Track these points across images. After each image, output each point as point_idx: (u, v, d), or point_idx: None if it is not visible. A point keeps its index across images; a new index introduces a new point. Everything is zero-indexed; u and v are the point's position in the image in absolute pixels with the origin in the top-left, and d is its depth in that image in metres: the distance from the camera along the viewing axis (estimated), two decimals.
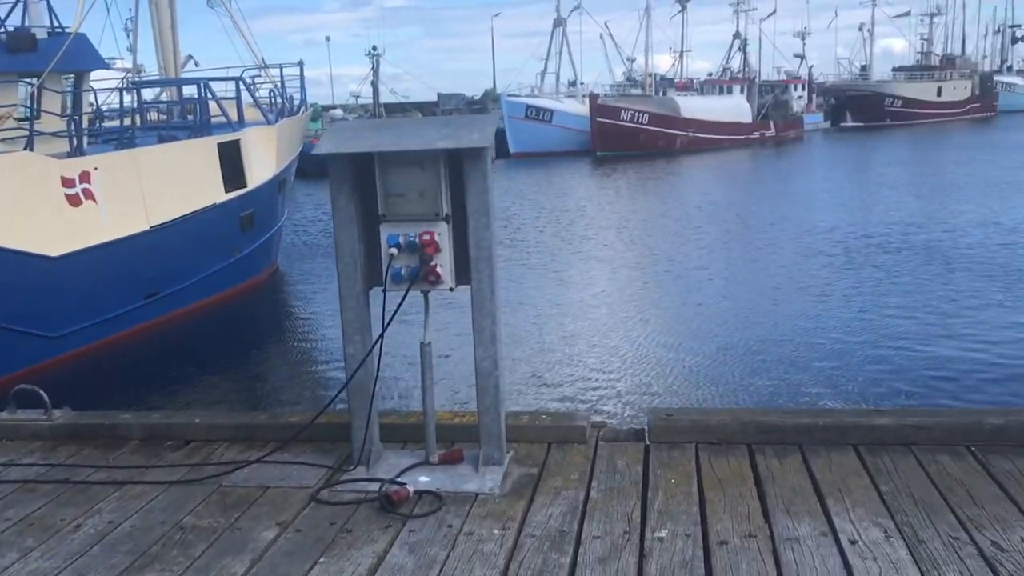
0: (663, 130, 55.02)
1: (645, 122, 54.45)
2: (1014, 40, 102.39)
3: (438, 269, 4.15)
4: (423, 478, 4.20)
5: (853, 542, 3.49)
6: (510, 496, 4.02)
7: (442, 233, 4.15)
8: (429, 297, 4.33)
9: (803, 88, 72.95)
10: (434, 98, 71.00)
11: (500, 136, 53.63)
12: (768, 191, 34.20)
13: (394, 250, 4.13)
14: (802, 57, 79.31)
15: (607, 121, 53.24)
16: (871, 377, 10.67)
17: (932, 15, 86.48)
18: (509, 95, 56.58)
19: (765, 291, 16.03)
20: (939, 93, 78.94)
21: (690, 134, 56.17)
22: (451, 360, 9.97)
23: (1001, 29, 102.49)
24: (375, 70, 63.31)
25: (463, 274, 4.24)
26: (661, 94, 62.03)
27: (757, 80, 68.78)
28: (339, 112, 60.91)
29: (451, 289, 4.25)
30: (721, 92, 64.50)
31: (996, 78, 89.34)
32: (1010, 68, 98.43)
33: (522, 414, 4.91)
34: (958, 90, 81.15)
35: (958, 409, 4.92)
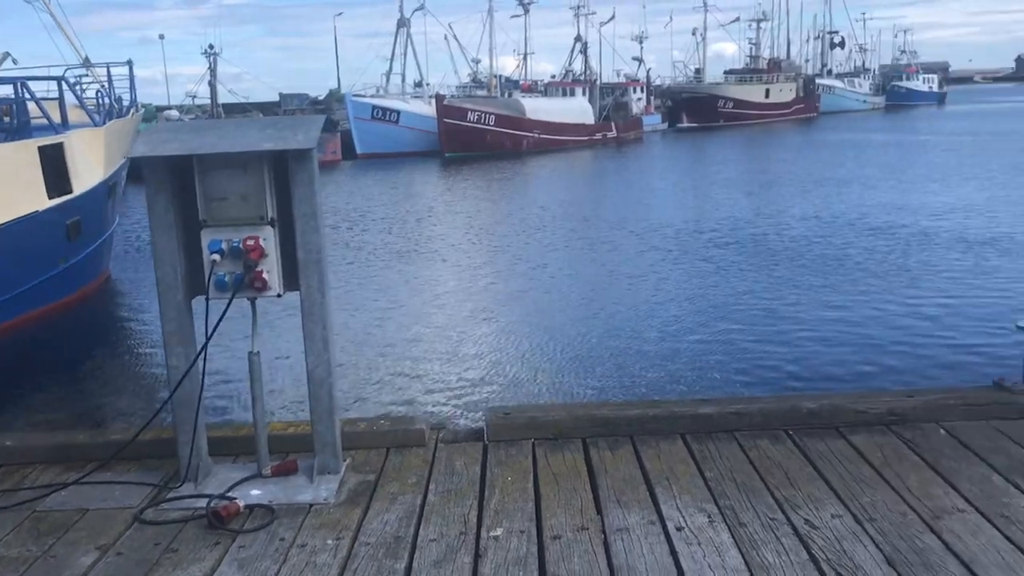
0: (510, 131, 55.65)
1: (492, 123, 54.93)
2: (832, 45, 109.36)
3: (264, 275, 4.03)
4: (255, 491, 4.07)
5: (679, 528, 3.61)
6: (345, 505, 3.95)
7: (267, 238, 4.03)
8: (256, 304, 4.19)
9: (642, 90, 75.39)
10: (276, 98, 69.25)
11: (347, 137, 52.87)
12: (610, 190, 35.18)
13: (216, 256, 3.98)
14: (640, 60, 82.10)
15: (454, 122, 53.37)
16: (701, 366, 11.11)
17: (759, 21, 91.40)
18: (354, 95, 55.78)
19: (605, 287, 16.47)
20: (767, 95, 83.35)
21: (536, 135, 57.07)
22: (290, 366, 9.73)
23: (821, 35, 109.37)
24: (212, 69, 61.05)
25: (291, 279, 4.14)
26: (506, 95, 62.71)
27: (599, 82, 70.60)
28: (175, 113, 58.41)
29: (279, 295, 4.13)
30: (564, 94, 65.80)
31: (818, 81, 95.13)
32: (830, 72, 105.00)
33: (360, 420, 4.85)
34: (784, 92, 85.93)
35: (776, 395, 5.20)
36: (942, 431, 4.54)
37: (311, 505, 3.95)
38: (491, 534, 3.63)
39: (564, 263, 18.95)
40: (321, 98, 68.20)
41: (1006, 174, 32.64)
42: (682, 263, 18.41)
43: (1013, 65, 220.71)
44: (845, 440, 4.47)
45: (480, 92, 63.93)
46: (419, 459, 4.40)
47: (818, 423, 4.61)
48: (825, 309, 13.98)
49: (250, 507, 3.92)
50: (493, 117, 55.09)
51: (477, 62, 69.39)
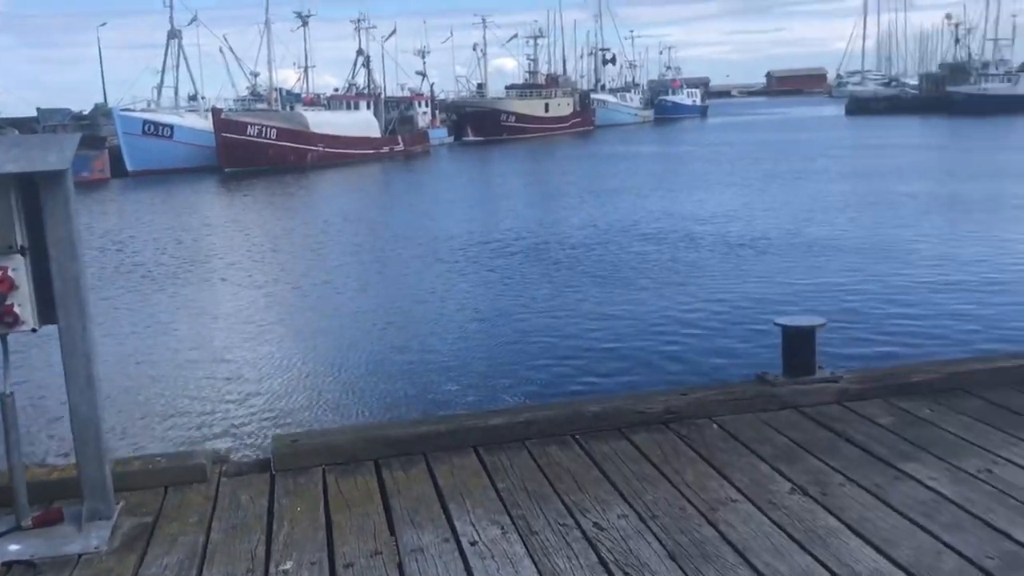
0: (293, 145, 54.39)
1: (273, 137, 53.48)
2: (604, 62, 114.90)
3: (15, 309, 3.67)
4: (13, 547, 3.69)
5: (473, 543, 3.62)
6: (120, 552, 3.66)
7: (17, 268, 3.68)
8: (7, 340, 3.82)
9: (427, 104, 75.93)
10: (33, 113, 64.03)
11: (116, 153, 49.73)
12: (397, 203, 35.13)
13: None
14: (423, 75, 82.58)
15: (233, 136, 51.48)
16: (491, 376, 11.24)
17: (536, 38, 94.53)
18: (123, 109, 52.53)
19: (392, 301, 16.37)
20: (547, 109, 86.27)
21: (320, 149, 56.09)
22: (54, 405, 8.90)
23: (594, 52, 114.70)
24: None
25: (48, 312, 3.80)
26: (288, 109, 61.21)
27: (383, 96, 70.44)
28: None
29: (34, 330, 3.78)
30: (349, 107, 65.14)
31: (593, 96, 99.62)
32: (603, 87, 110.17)
33: (133, 459, 4.53)
34: (562, 107, 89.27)
35: (562, 401, 5.33)
36: (714, 425, 4.83)
37: (80, 556, 3.63)
38: (280, 568, 3.49)
39: (350, 278, 18.69)
40: (86, 112, 63.67)
41: (761, 181, 35.46)
42: (468, 274, 18.66)
43: (764, 80, 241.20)
44: (627, 440, 4.65)
45: (260, 105, 62.06)
46: (200, 496, 4.16)
47: (602, 425, 4.78)
48: (604, 314, 14.56)
49: (8, 564, 3.56)
50: (275, 131, 53.65)
51: (256, 75, 67.35)
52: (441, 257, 20.62)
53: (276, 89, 63.84)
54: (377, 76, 73.11)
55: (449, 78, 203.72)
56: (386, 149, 62.88)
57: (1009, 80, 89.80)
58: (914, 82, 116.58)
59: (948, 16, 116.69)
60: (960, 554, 3.43)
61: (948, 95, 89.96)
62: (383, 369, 11.76)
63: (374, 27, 72.34)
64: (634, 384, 10.01)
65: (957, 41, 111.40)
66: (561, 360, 11.93)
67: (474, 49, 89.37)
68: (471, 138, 76.49)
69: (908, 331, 12.65)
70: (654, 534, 3.66)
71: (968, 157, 42.99)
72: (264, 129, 53.13)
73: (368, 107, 65.23)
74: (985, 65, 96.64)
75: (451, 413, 6.23)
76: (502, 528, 3.75)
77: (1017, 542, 3.52)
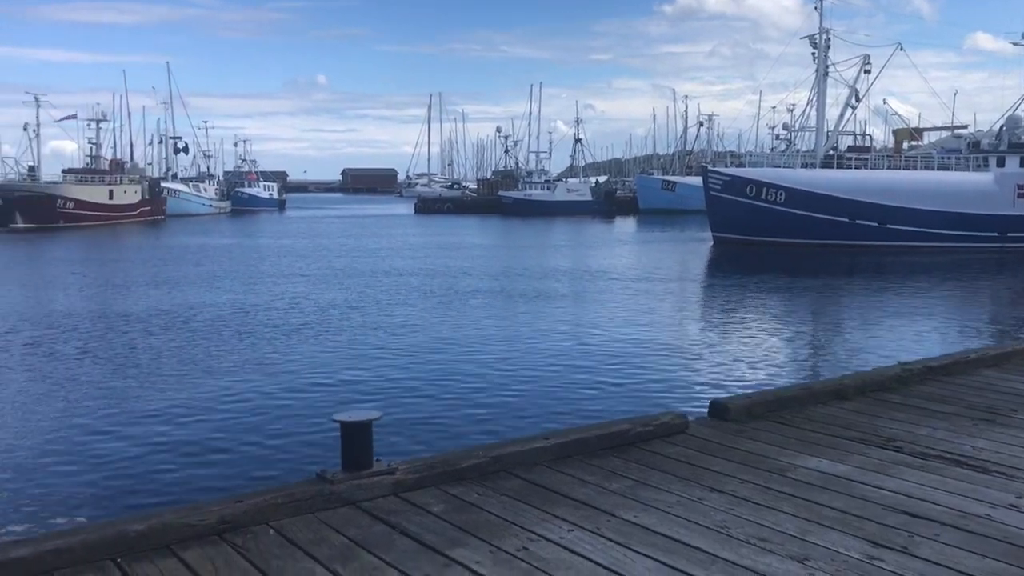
0: None
1: None
2: (176, 150, 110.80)
3: None
4: None
5: None
6: None
7: None
8: None
9: None
10: None
11: None
12: None
13: None
14: None
15: None
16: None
17: (98, 121, 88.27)
18: None
19: None
20: (111, 196, 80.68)
21: None
22: None
23: (164, 139, 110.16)
24: None
25: None
26: None
27: None
28: None
29: None
30: None
31: (164, 184, 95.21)
32: (175, 176, 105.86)
33: None
34: (129, 193, 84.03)
35: (102, 522, 4.84)
36: (272, 531, 4.68)
37: None
38: None
39: None
40: None
41: (331, 274, 36.17)
42: (24, 372, 16.59)
43: (340, 178, 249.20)
44: (177, 558, 4.33)
45: None
46: None
47: (148, 545, 4.40)
48: (165, 414, 13.68)
49: None
50: None
51: None
52: None
53: None
54: None
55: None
56: None
57: (548, 188, 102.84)
58: (473, 186, 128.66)
59: (498, 129, 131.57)
60: None
61: (500, 199, 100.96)
62: None
63: None
64: (184, 496, 9.34)
65: (507, 151, 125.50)
66: (108, 474, 10.81)
67: (25, 128, 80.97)
68: (22, 225, 68.88)
69: (463, 418, 13.53)
70: None
71: (522, 254, 47.89)
72: None
73: None
74: (530, 174, 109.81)
75: None
76: None
77: None
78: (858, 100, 56.50)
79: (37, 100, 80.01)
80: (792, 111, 71.70)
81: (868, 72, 55.83)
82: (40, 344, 19.89)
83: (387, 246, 52.45)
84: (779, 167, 55.39)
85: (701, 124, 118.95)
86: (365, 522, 4.83)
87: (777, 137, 69.42)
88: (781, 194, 51.04)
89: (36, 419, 13.55)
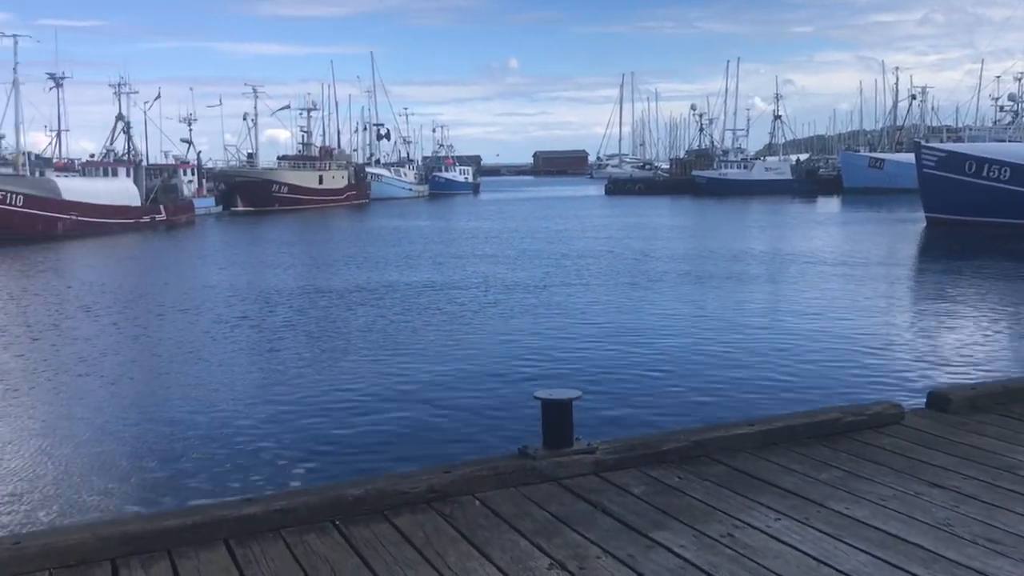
0: (41, 213, 50.54)
1: (19, 204, 49.46)
2: (379, 137, 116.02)
3: None
4: None
5: None
6: None
7: None
8: None
9: (193, 173, 73.21)
10: None
11: None
12: (161, 274, 33.30)
13: None
14: (189, 142, 79.72)
15: None
16: (242, 460, 10.60)
17: (309, 110, 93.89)
18: None
19: (146, 379, 15.39)
20: (321, 181, 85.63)
21: (73, 217, 52.45)
22: None
23: (368, 127, 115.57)
24: None
25: None
26: (38, 174, 56.86)
27: (144, 163, 67.19)
28: None
29: None
30: (106, 174, 61.53)
31: (368, 169, 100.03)
32: (378, 161, 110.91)
33: None
34: (337, 179, 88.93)
35: (323, 485, 5.14)
36: (477, 502, 4.82)
37: None
38: None
39: (106, 354, 17.40)
40: None
41: (525, 257, 36.74)
42: (240, 344, 17.95)
43: (532, 160, 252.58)
44: (390, 523, 4.54)
45: (5, 170, 57.25)
46: None
47: (364, 509, 4.64)
48: (373, 386, 14.41)
49: None
50: (21, 198, 49.66)
51: (1, 137, 62.21)
52: (207, 329, 19.69)
53: (24, 153, 59.16)
54: (138, 142, 69.81)
55: (218, 147, 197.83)
56: (147, 218, 59.78)
57: (745, 167, 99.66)
58: (666, 166, 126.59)
59: (693, 107, 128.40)
60: None
61: (693, 178, 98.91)
62: (124, 457, 10.82)
63: (136, 92, 69.28)
64: (396, 463, 9.79)
65: (701, 130, 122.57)
66: (321, 438, 11.53)
67: (244, 118, 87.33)
68: (241, 208, 74.34)
69: (661, 400, 13.38)
70: None
71: (714, 235, 46.78)
72: (8, 196, 49.05)
73: (128, 174, 61.88)
74: (726, 152, 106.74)
75: (199, 504, 5.79)
76: None
77: None
78: None
79: (255, 92, 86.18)
80: (1020, 80, 65.99)
81: None
82: (272, 314, 21.38)
83: (576, 227, 52.68)
84: (1003, 141, 51.04)
85: (913, 97, 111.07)
86: (568, 499, 4.88)
87: (1001, 109, 63.78)
88: (1006, 171, 47.02)
89: (260, 390, 14.60)
